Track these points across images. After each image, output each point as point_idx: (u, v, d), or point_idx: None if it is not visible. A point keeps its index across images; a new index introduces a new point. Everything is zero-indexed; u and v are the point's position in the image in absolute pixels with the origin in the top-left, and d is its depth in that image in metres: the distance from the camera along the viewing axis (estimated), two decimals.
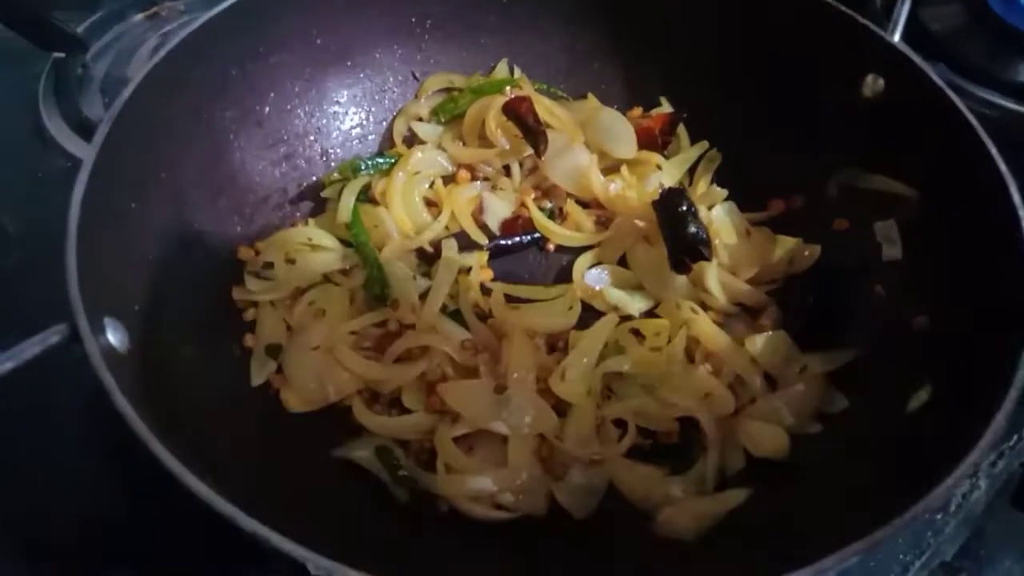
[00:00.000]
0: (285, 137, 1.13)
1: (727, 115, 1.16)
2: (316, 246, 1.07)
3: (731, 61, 1.14)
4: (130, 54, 1.40)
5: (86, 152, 0.81)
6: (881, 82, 1.01)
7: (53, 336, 0.68)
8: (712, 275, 1.03)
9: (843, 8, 1.03)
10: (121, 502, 0.93)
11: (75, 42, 1.35)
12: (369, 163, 1.15)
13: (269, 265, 1.03)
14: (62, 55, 1.36)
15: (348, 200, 1.10)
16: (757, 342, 0.98)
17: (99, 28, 1.44)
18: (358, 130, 1.21)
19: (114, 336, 0.75)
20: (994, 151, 0.86)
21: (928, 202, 0.97)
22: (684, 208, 1.01)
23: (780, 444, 0.91)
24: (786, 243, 1.08)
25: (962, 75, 1.33)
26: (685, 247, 1.00)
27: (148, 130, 0.90)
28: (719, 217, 1.10)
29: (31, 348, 0.67)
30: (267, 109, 1.10)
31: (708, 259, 1.00)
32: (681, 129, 1.21)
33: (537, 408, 0.92)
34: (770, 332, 1.00)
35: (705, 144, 1.20)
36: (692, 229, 0.99)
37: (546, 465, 0.91)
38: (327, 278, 1.06)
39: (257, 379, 0.96)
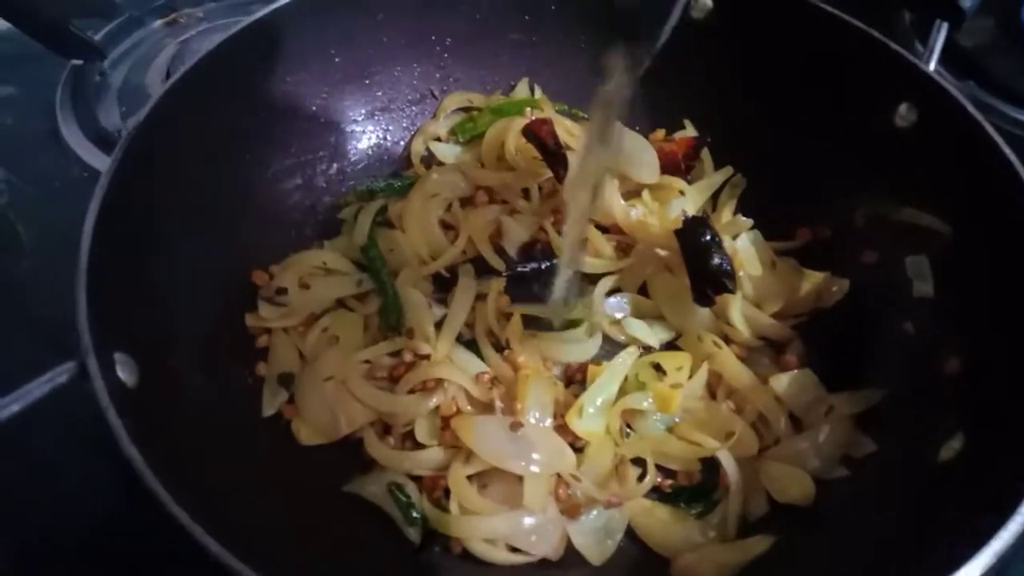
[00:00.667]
0: (302, 157, 1.11)
1: (753, 140, 1.14)
2: (331, 270, 1.06)
3: (759, 85, 1.12)
4: (148, 61, 1.40)
5: (99, 179, 0.79)
6: (915, 113, 0.98)
7: (61, 376, 0.67)
8: (736, 308, 1.00)
9: (877, 35, 1.00)
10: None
11: (93, 49, 1.35)
12: (384, 185, 1.13)
13: (283, 291, 1.02)
14: (80, 62, 1.36)
15: (364, 223, 1.08)
16: (783, 380, 0.96)
17: (117, 35, 1.44)
18: (376, 149, 1.19)
19: (123, 371, 0.73)
20: None
21: (962, 238, 0.94)
22: (708, 238, 0.97)
23: (805, 490, 0.88)
24: (813, 277, 1.05)
25: (993, 93, 1.30)
26: (708, 278, 0.97)
27: (162, 154, 0.89)
28: (744, 247, 1.07)
29: (38, 389, 0.65)
30: (284, 129, 1.08)
31: (732, 291, 0.97)
32: (705, 154, 1.19)
33: (553, 446, 0.90)
34: (796, 370, 0.97)
35: (730, 170, 1.17)
36: (716, 260, 0.96)
37: (563, 506, 0.88)
38: (342, 304, 1.04)
39: (269, 409, 0.95)
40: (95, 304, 0.71)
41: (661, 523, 0.88)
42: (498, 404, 0.93)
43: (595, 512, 0.88)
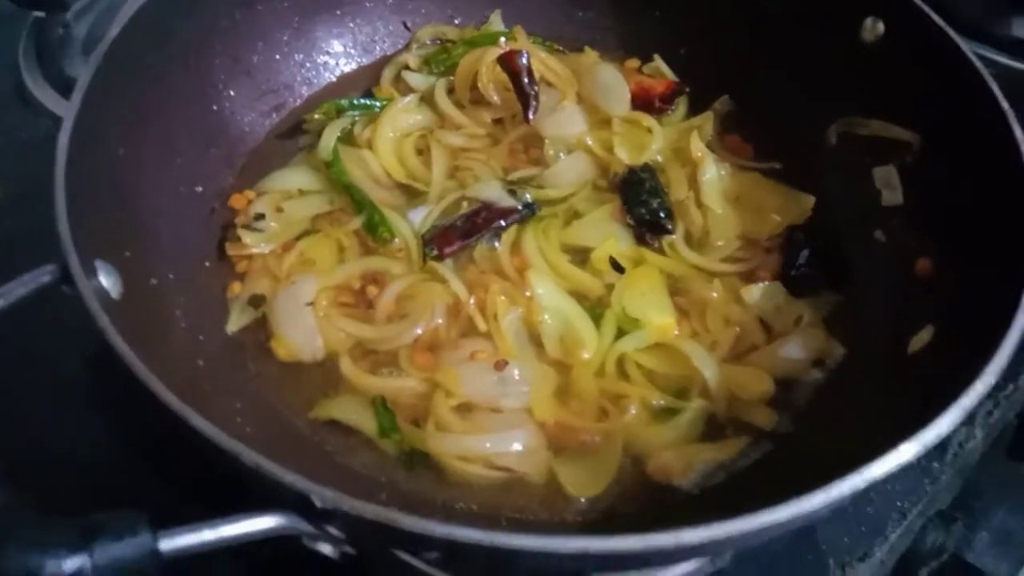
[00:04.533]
0: (275, 87, 1.12)
1: (722, 65, 1.15)
2: (304, 191, 1.05)
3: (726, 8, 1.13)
4: (112, 13, 1.30)
5: (72, 96, 0.78)
6: (881, 25, 0.99)
7: (44, 276, 0.66)
8: (680, 246, 1.03)
9: None
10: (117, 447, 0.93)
11: (55, 1, 1.32)
12: (356, 103, 1.13)
13: (260, 216, 1.01)
14: (42, 14, 1.33)
15: (329, 139, 1.07)
16: (753, 292, 0.98)
17: None
18: (349, 81, 1.19)
19: (106, 279, 0.73)
20: (996, 89, 0.85)
21: (929, 145, 0.96)
22: (646, 186, 1.03)
23: (765, 386, 0.90)
24: (778, 191, 1.07)
25: (959, 31, 1.32)
26: (647, 223, 1.03)
27: (134, 77, 0.89)
28: (708, 182, 1.07)
29: (20, 287, 0.65)
30: (256, 59, 1.08)
31: (671, 232, 1.02)
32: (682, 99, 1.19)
33: (539, 373, 0.91)
34: (766, 283, 0.99)
35: (709, 116, 1.16)
36: (653, 206, 1.02)
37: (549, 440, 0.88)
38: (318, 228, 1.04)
39: (233, 327, 0.95)
40: (73, 208, 0.70)
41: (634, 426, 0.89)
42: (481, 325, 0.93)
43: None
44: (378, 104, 1.13)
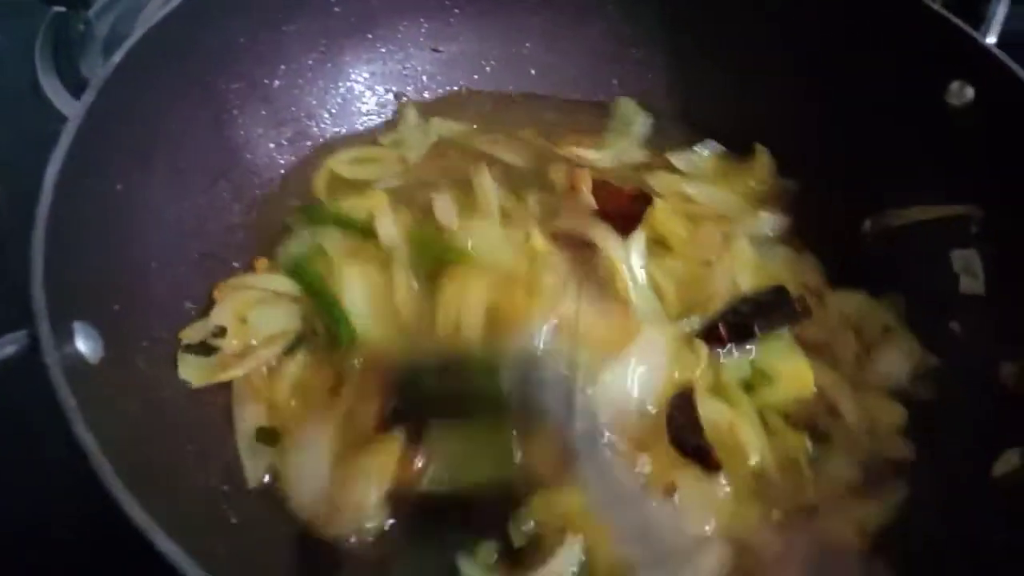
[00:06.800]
0: (295, 116, 1.04)
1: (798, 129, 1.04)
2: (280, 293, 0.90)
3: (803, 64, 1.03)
4: (136, 12, 1.32)
5: (64, 129, 0.72)
6: (971, 90, 0.89)
7: (9, 346, 0.58)
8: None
9: (930, 4, 0.92)
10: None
11: None
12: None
13: (221, 331, 0.85)
14: (62, 9, 1.29)
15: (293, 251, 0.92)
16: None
17: None
18: (374, 110, 1.11)
19: (85, 343, 0.65)
20: None
21: (1015, 228, 0.86)
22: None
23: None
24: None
25: None
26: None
27: (141, 101, 0.82)
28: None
29: None
30: (276, 83, 1.01)
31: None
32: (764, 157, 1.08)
33: None
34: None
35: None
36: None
37: None
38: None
39: (253, 480, 0.79)
40: (53, 260, 0.62)
41: None
42: None
43: None
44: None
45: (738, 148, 1.09)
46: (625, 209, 0.93)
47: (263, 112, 1.00)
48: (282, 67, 1.01)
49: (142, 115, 0.82)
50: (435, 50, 1.14)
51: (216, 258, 0.91)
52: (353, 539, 0.76)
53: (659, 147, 1.10)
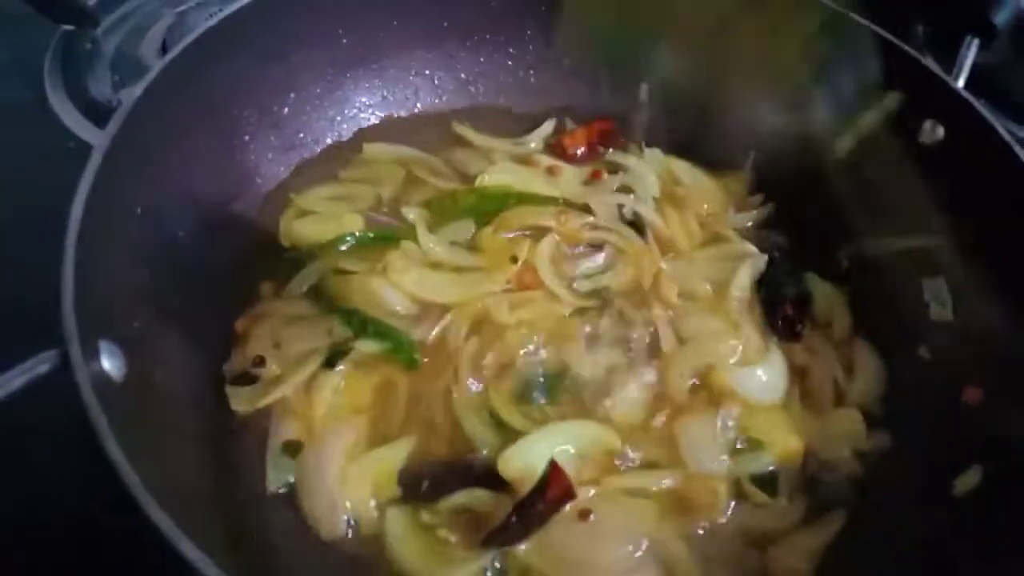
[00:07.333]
0: (304, 141, 1.08)
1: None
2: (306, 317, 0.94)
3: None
4: (144, 31, 1.35)
5: (91, 156, 0.74)
6: (942, 130, 0.95)
7: (42, 365, 0.62)
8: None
9: (907, 48, 0.97)
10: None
11: (85, 15, 1.30)
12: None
13: (261, 361, 0.89)
14: (71, 28, 1.31)
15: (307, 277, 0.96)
16: None
17: (111, 2, 1.39)
18: (380, 135, 1.14)
19: (109, 362, 0.68)
20: None
21: (981, 260, 0.91)
22: None
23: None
24: None
25: (1005, 112, 1.29)
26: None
27: (159, 130, 0.85)
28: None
29: (17, 378, 0.61)
30: (286, 110, 1.05)
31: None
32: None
33: None
34: None
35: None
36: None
37: None
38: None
39: (272, 485, 0.84)
40: (81, 283, 0.65)
41: None
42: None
43: None
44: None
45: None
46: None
47: (273, 138, 1.03)
48: (291, 95, 1.04)
49: (160, 143, 0.85)
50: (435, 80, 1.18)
51: (227, 279, 0.94)
52: (352, 539, 0.81)
53: None
